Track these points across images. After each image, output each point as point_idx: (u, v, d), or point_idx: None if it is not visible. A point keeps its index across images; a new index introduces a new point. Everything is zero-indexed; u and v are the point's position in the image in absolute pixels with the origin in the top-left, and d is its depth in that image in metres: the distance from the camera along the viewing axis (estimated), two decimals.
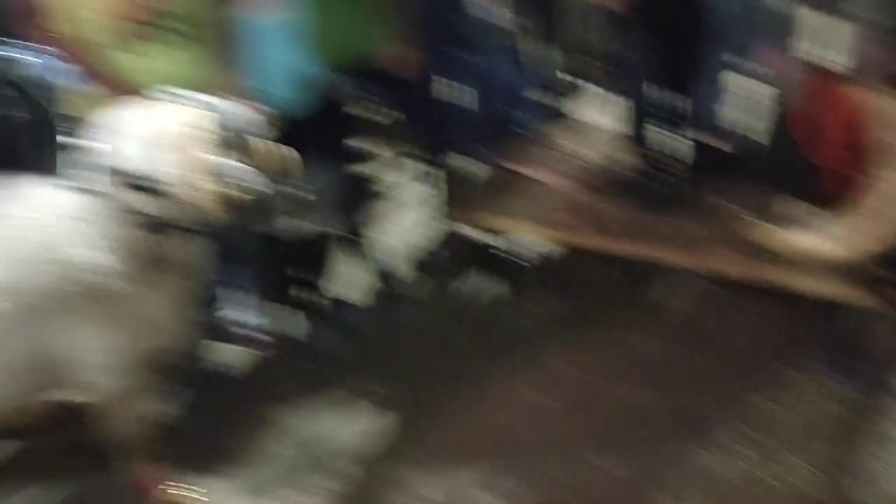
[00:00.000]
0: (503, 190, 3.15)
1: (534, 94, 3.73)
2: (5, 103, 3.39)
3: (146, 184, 2.09)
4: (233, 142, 2.24)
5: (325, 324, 3.19)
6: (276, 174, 2.38)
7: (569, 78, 3.91)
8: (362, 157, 3.24)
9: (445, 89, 3.33)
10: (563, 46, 3.78)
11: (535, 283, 3.38)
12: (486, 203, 3.08)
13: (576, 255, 3.27)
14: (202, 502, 2.46)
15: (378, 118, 3.50)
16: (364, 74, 2.99)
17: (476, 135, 3.40)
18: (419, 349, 3.12)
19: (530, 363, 2.93)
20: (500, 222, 3.05)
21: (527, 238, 3.46)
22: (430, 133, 3.32)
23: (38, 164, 3.46)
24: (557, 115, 3.82)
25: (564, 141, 3.48)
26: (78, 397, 2.78)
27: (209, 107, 2.17)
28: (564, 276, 3.37)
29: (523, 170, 3.10)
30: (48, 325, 2.07)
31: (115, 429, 2.34)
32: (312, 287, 3.25)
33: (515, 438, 2.65)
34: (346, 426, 2.77)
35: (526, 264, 3.49)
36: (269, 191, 2.38)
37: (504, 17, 3.30)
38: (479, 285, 3.44)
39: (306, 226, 3.02)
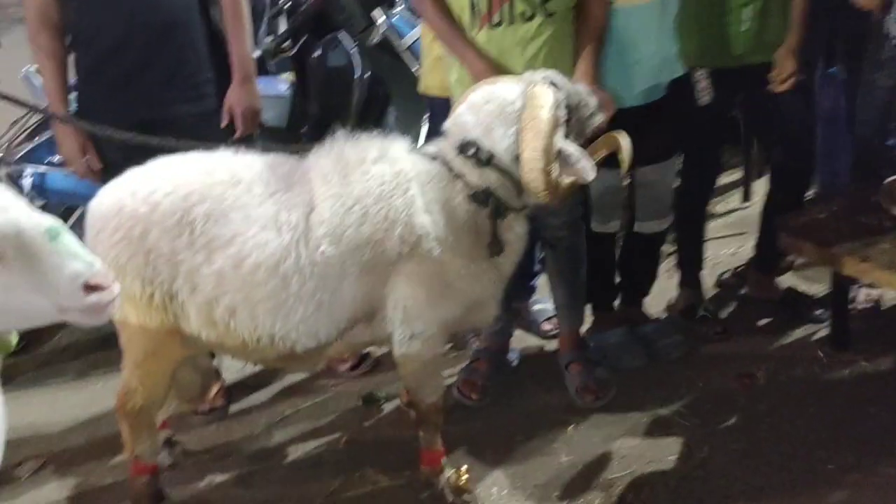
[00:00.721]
0: (860, 228, 2.71)
1: None
2: (378, 66, 3.63)
3: (488, 158, 2.09)
4: (575, 126, 2.18)
5: (628, 331, 3.00)
6: (608, 170, 2.27)
7: None
8: (704, 160, 2.99)
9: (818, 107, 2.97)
10: None
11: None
12: (832, 239, 2.67)
13: None
14: (467, 489, 2.41)
15: (731, 122, 3.21)
16: (728, 74, 2.74)
17: (843, 162, 2.98)
18: (721, 380, 2.84)
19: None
20: (847, 264, 2.62)
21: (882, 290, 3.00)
22: (787, 150, 2.96)
23: (395, 126, 3.67)
24: None
25: None
26: (378, 350, 2.91)
27: (559, 88, 2.11)
28: None
29: (894, 210, 2.64)
30: (368, 276, 2.13)
31: (412, 394, 2.36)
32: (625, 292, 3.08)
33: None
34: (630, 447, 2.58)
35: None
36: (597, 187, 2.27)
37: None
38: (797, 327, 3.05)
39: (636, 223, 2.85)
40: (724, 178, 4.26)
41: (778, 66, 2.71)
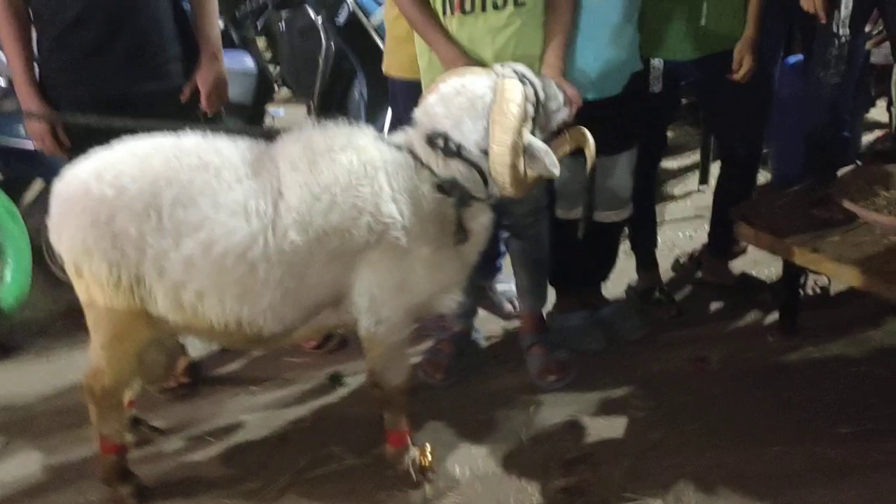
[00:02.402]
0: (812, 220, 2.79)
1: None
2: (347, 43, 3.60)
3: (456, 150, 2.12)
4: (542, 120, 2.21)
5: (588, 314, 3.07)
6: (574, 158, 2.30)
7: None
8: (652, 142, 3.03)
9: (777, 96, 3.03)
10: None
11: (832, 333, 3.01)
12: (785, 230, 2.75)
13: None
14: (431, 468, 2.47)
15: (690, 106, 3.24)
16: (682, 64, 2.79)
17: (795, 152, 3.06)
18: (676, 363, 2.93)
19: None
20: (798, 254, 2.71)
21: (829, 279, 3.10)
22: (734, 139, 3.03)
23: (362, 103, 3.65)
24: None
25: None
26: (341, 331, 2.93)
27: (528, 83, 2.15)
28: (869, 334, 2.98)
29: (844, 203, 2.72)
30: (335, 264, 2.15)
31: (378, 376, 2.38)
32: (586, 276, 3.14)
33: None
34: (588, 427, 2.66)
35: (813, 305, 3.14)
36: (563, 175, 2.29)
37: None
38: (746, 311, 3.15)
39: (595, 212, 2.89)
40: (683, 161, 4.37)
41: (737, 60, 2.76)
